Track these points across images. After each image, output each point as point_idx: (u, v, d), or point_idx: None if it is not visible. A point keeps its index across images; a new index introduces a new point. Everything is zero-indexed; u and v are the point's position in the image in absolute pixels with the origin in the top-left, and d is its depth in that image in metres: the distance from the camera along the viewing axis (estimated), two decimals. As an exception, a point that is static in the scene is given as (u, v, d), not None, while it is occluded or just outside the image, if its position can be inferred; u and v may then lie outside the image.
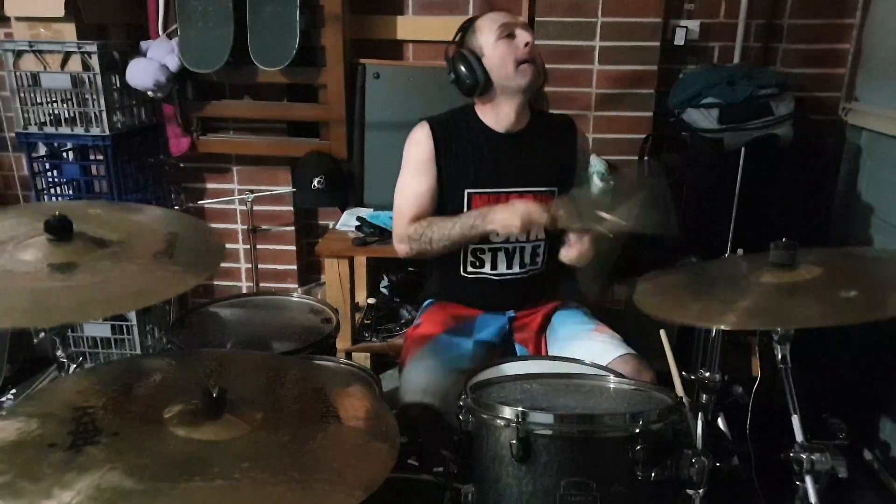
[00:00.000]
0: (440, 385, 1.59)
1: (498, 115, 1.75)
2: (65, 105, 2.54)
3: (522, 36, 1.67)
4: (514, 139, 1.77)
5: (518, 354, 1.82)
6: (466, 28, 1.76)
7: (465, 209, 1.75)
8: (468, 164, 1.75)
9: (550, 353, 1.78)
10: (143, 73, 2.54)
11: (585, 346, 1.70)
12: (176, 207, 2.94)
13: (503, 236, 1.73)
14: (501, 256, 1.79)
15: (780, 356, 1.31)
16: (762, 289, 1.27)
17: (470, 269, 1.82)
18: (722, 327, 1.27)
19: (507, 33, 1.67)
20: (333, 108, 2.70)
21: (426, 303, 1.95)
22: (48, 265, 1.15)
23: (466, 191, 1.75)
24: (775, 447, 1.26)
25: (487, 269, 1.81)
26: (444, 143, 1.75)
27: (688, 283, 1.46)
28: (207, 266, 1.29)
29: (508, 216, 1.60)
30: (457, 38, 1.77)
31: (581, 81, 2.70)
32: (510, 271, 1.81)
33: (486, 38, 1.70)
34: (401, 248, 1.78)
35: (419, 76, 2.64)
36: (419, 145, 1.76)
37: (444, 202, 1.78)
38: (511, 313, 1.85)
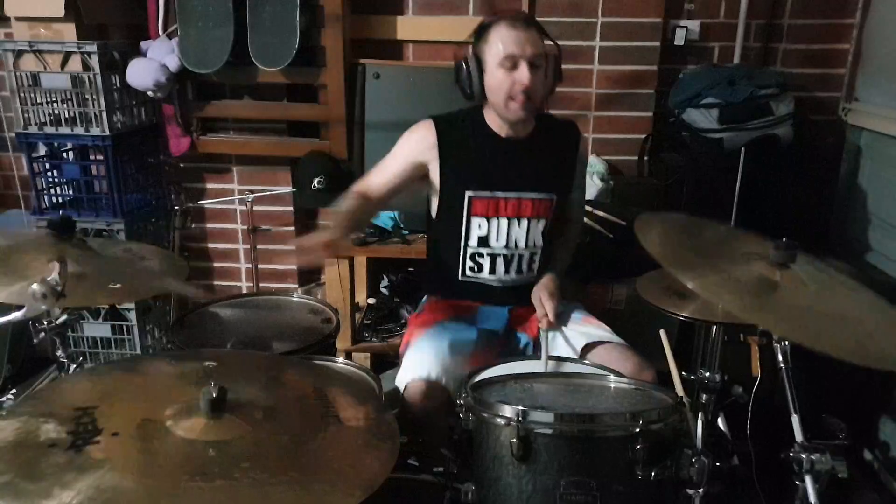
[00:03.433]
0: (444, 364, 1.60)
1: (499, 121, 1.76)
2: (65, 105, 2.54)
3: (522, 74, 1.62)
4: (516, 144, 1.77)
5: (520, 344, 1.83)
6: (484, 29, 1.69)
7: (466, 211, 1.76)
8: (469, 167, 1.75)
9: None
10: (143, 73, 2.54)
11: (574, 329, 1.72)
12: (176, 207, 2.94)
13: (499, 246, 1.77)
14: (500, 262, 1.80)
15: (780, 356, 1.31)
16: (755, 280, 1.26)
17: (468, 273, 1.82)
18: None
19: (511, 65, 1.63)
20: (333, 108, 2.70)
21: (425, 298, 1.96)
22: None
23: (467, 193, 1.75)
24: (775, 447, 1.26)
25: (485, 273, 1.81)
26: (448, 144, 1.75)
27: (690, 237, 1.43)
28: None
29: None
30: (473, 38, 1.72)
31: (581, 81, 2.70)
32: (507, 277, 1.81)
33: (492, 57, 1.66)
34: None
35: (419, 76, 2.64)
36: (417, 141, 1.77)
37: (446, 203, 1.78)
38: (510, 304, 1.86)
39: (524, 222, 1.78)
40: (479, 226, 1.77)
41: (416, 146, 1.77)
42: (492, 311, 1.85)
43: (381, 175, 1.80)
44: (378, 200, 1.79)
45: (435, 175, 1.77)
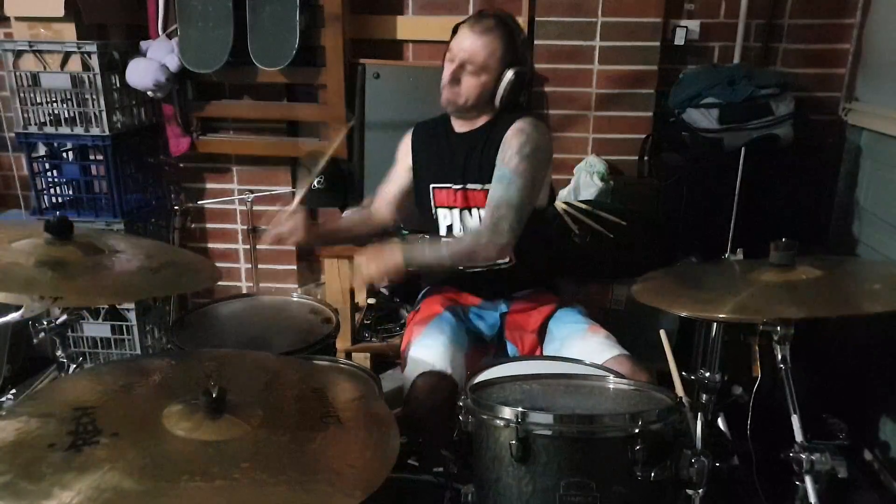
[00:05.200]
0: (448, 355, 1.64)
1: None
2: (65, 105, 2.54)
3: (447, 68, 1.72)
4: (465, 138, 1.81)
5: (509, 352, 1.84)
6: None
7: (432, 204, 1.85)
8: (432, 162, 1.85)
9: (546, 353, 1.79)
10: (142, 73, 2.54)
11: (580, 346, 1.70)
12: (176, 207, 2.94)
13: None
14: None
15: (780, 356, 1.31)
16: (763, 285, 1.28)
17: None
18: (720, 316, 1.31)
19: (450, 58, 1.73)
20: (333, 108, 2.70)
21: (423, 291, 2.01)
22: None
23: (431, 186, 1.84)
24: (775, 447, 1.27)
25: None
26: (419, 145, 1.89)
27: (686, 280, 1.47)
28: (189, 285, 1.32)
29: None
30: None
31: (581, 81, 2.70)
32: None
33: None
34: None
35: (419, 76, 2.64)
36: (400, 149, 1.94)
37: (419, 197, 1.90)
38: (503, 308, 1.86)
39: (475, 212, 1.81)
40: (445, 216, 1.85)
41: (403, 150, 1.93)
42: (485, 312, 1.86)
43: (386, 184, 1.99)
44: (388, 206, 1.98)
45: (411, 173, 1.92)
